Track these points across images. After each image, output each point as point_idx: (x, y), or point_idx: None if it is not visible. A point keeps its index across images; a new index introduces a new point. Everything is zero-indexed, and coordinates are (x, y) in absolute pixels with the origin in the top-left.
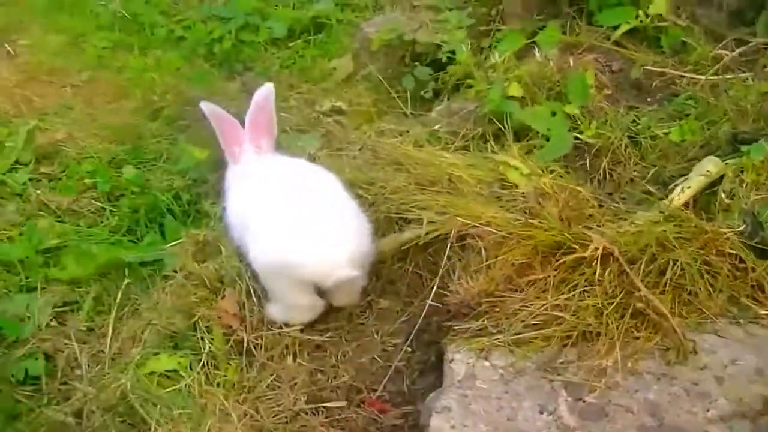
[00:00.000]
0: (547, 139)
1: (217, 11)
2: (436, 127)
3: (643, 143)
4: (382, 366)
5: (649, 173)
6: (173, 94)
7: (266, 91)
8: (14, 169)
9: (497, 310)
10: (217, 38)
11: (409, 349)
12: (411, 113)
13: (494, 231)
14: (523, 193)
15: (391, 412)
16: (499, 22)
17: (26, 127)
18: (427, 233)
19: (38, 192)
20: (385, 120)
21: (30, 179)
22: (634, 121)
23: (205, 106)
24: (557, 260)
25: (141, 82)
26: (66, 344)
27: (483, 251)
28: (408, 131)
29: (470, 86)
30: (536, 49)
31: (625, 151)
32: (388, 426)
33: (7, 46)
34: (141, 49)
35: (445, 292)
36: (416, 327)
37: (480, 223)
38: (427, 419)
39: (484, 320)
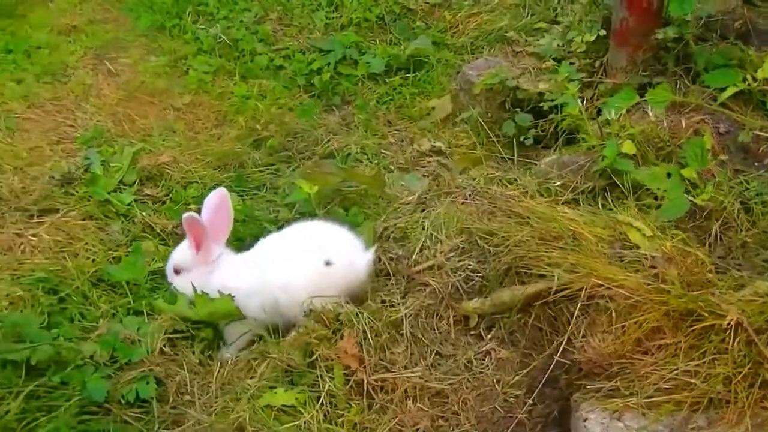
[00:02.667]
0: (655, 199)
1: (317, 43)
2: (547, 178)
3: (754, 208)
4: (504, 417)
5: (761, 239)
6: (276, 124)
7: (218, 196)
8: (119, 189)
9: (628, 372)
10: (316, 69)
11: (531, 402)
12: (514, 159)
13: (627, 294)
14: (651, 255)
15: None
16: (602, 75)
17: (132, 148)
18: (553, 289)
19: (143, 213)
20: (490, 165)
21: (135, 200)
22: (742, 184)
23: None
24: (689, 327)
25: (244, 110)
26: (177, 371)
27: (613, 313)
28: (516, 179)
29: (582, 139)
30: (648, 107)
31: (738, 216)
32: None
33: (107, 63)
34: (241, 76)
35: (570, 349)
36: (543, 381)
37: (613, 285)
38: None
39: (616, 381)
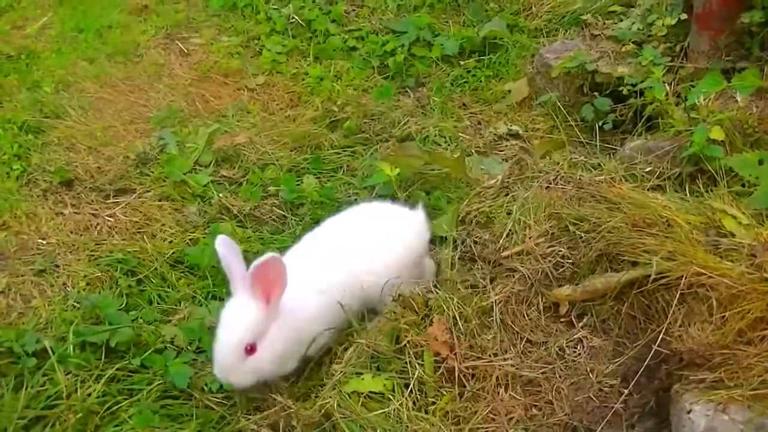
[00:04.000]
0: (743, 186)
1: (390, 24)
2: (632, 163)
3: None
4: (599, 407)
5: None
6: (353, 106)
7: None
8: (195, 170)
9: (731, 363)
10: (390, 51)
11: (627, 392)
12: (596, 144)
13: (729, 283)
14: (749, 244)
15: None
16: (682, 59)
17: (207, 129)
18: (651, 277)
19: (219, 195)
20: (571, 150)
21: (211, 181)
22: None
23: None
24: None
25: (319, 91)
26: None
27: (714, 302)
28: (600, 165)
29: (667, 125)
30: (736, 93)
31: None
32: None
33: (180, 44)
34: (315, 56)
35: (668, 338)
36: (640, 371)
37: (714, 274)
38: None
39: (719, 372)
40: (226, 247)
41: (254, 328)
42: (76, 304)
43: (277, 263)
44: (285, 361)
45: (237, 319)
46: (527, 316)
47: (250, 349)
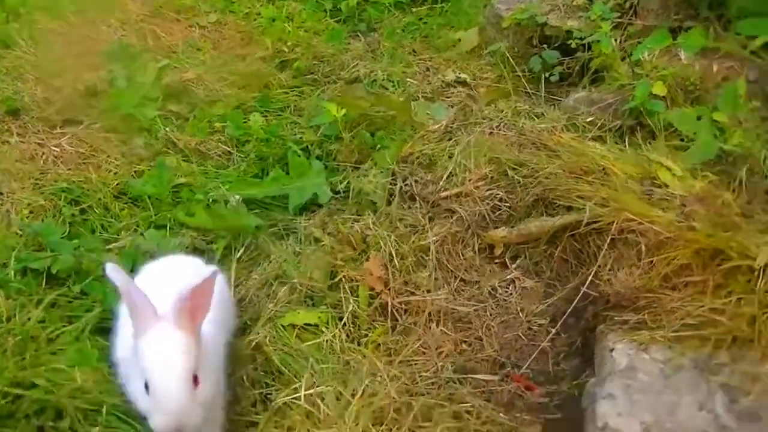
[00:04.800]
0: (682, 140)
1: None
2: (575, 114)
3: None
4: (527, 344)
5: None
6: (303, 47)
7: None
8: (143, 104)
9: (655, 306)
10: None
11: (554, 331)
12: (540, 95)
13: (658, 230)
14: (681, 194)
15: (536, 390)
16: (632, 16)
17: (157, 65)
18: (582, 222)
19: (166, 129)
20: (517, 99)
21: (158, 116)
22: None
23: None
24: (717, 266)
25: (270, 31)
26: None
27: (643, 248)
28: (544, 114)
29: (612, 78)
30: (680, 50)
31: (764, 162)
32: (533, 403)
33: None
34: None
35: (597, 281)
36: (568, 312)
37: (644, 220)
38: (590, 404)
39: (643, 314)
40: (121, 277)
41: (195, 358)
42: (18, 231)
43: (209, 286)
44: (219, 380)
45: (174, 352)
46: (462, 256)
47: (195, 382)
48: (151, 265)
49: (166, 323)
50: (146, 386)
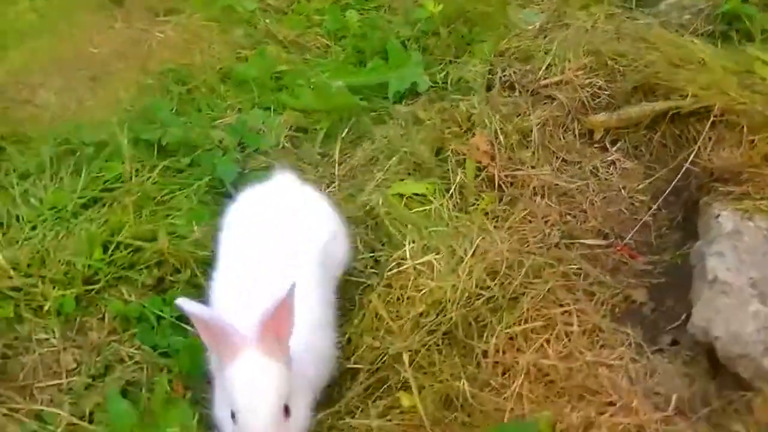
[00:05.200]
0: None
1: None
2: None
3: None
4: (629, 218)
5: None
6: None
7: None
8: None
9: (758, 180)
10: None
11: (656, 207)
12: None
13: (761, 110)
14: None
15: (640, 258)
16: None
17: None
18: (683, 107)
19: (266, 21)
20: (609, 3)
21: (258, 8)
22: None
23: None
24: None
25: None
26: (299, 164)
27: (745, 129)
28: (637, 19)
29: None
30: None
31: None
32: (637, 269)
33: None
34: None
35: (698, 160)
36: (669, 189)
37: (746, 101)
38: (699, 261)
39: (747, 186)
40: (194, 306)
41: (285, 388)
42: (129, 107)
43: (290, 303)
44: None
45: (266, 386)
46: (563, 138)
47: (286, 412)
48: (250, 191)
49: (252, 350)
50: (233, 416)
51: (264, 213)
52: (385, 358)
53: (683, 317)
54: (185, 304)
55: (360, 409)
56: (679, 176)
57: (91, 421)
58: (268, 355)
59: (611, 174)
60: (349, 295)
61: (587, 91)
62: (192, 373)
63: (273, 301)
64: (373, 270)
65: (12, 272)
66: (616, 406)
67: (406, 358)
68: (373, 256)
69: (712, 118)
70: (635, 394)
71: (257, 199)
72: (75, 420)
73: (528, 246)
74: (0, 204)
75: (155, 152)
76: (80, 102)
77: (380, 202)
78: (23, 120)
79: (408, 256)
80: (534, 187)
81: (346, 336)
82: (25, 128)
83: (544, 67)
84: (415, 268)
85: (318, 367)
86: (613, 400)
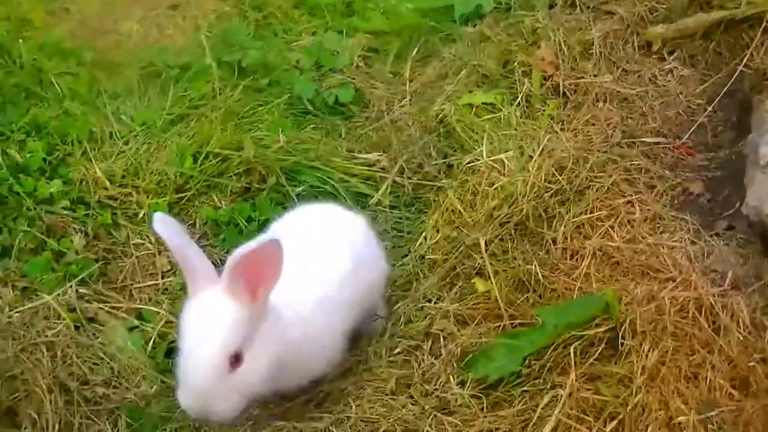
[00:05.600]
0: None
1: None
2: None
3: None
4: (686, 120)
5: None
6: None
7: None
8: None
9: None
10: None
11: (712, 109)
12: None
13: None
14: None
15: (696, 155)
16: None
17: None
18: (734, 15)
19: None
20: None
21: None
22: None
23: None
24: None
25: None
26: (372, 83)
27: None
28: None
29: None
30: None
31: None
32: (694, 165)
33: None
34: None
35: (752, 64)
36: (723, 91)
37: None
38: (752, 150)
39: None
40: (170, 229)
41: (239, 332)
42: (208, 33)
43: (274, 250)
44: (284, 371)
45: (214, 322)
46: (623, 50)
47: (235, 361)
48: (292, 214)
49: (215, 288)
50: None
51: (303, 228)
52: (461, 248)
53: (737, 205)
54: (160, 226)
55: (438, 297)
56: (732, 79)
57: None
58: (231, 296)
59: (669, 81)
60: (423, 198)
61: (645, 5)
62: None
63: (248, 246)
64: (446, 174)
65: (108, 183)
66: (676, 282)
67: (482, 243)
68: (446, 161)
69: (764, 24)
70: (694, 271)
71: (302, 217)
72: (172, 318)
73: (592, 145)
74: (94, 122)
75: (235, 73)
76: (161, 30)
77: (452, 111)
78: (109, 48)
79: (483, 155)
80: (596, 94)
81: (422, 233)
82: (112, 55)
83: None
84: (488, 166)
85: (312, 360)
86: (674, 277)
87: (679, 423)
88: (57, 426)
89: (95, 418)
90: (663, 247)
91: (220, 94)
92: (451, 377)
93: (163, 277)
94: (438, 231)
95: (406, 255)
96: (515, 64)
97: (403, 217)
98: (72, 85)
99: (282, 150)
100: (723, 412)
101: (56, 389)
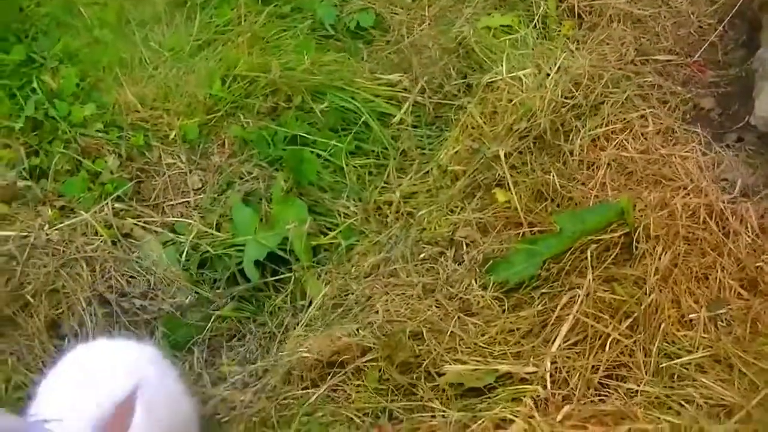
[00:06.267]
0: None
1: None
2: None
3: None
4: (698, 39)
5: None
6: None
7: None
8: None
9: None
10: None
11: (722, 29)
12: None
13: None
14: None
15: (708, 73)
16: None
17: None
18: None
19: None
20: None
21: None
22: None
23: None
24: None
25: None
26: (393, 8)
27: None
28: None
29: None
30: None
31: None
32: (705, 81)
33: None
34: None
35: None
36: (736, 7)
37: None
38: (761, 65)
39: None
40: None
41: None
42: None
43: (133, 402)
44: None
45: None
46: None
47: None
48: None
49: None
50: None
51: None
52: (482, 159)
53: (747, 119)
54: None
55: (459, 207)
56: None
57: (217, 230)
58: None
59: (680, 2)
60: (444, 117)
61: None
62: (298, 178)
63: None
64: (466, 93)
65: (139, 106)
66: (688, 189)
67: (502, 155)
68: (465, 81)
69: None
70: (705, 179)
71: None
72: (204, 228)
73: (607, 63)
74: (123, 49)
75: (259, 0)
76: None
77: (471, 33)
78: None
79: (503, 72)
80: (610, 15)
81: (443, 148)
82: None
83: None
84: (506, 83)
85: None
86: (685, 185)
87: (691, 320)
88: (97, 337)
89: (134, 329)
90: (675, 157)
91: (245, 20)
92: (473, 281)
93: (194, 194)
94: (459, 144)
95: (428, 170)
96: None
97: (424, 136)
98: (100, 14)
99: (307, 71)
100: (732, 310)
101: (95, 302)
